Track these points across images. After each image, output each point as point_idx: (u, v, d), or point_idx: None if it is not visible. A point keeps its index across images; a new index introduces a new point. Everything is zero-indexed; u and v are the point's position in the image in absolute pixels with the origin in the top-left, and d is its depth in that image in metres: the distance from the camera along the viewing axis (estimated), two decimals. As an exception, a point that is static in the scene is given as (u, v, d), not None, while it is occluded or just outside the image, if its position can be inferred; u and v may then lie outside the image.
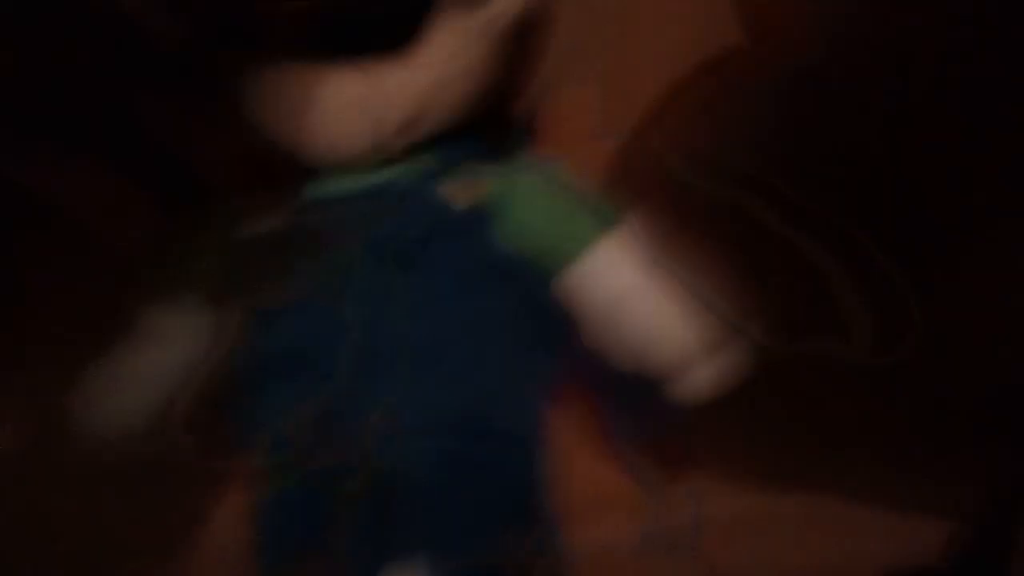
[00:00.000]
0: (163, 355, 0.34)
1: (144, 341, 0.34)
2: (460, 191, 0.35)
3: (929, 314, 0.33)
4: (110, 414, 0.33)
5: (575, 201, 0.36)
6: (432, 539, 0.31)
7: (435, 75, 0.35)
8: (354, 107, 0.34)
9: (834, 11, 0.36)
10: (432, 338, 0.32)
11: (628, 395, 0.35)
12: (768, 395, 0.34)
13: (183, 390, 0.33)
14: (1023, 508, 0.31)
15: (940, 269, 0.34)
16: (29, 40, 0.32)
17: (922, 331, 0.32)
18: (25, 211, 0.34)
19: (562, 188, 0.37)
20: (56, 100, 0.34)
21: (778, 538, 0.35)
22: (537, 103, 0.42)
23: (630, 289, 0.34)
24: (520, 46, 0.38)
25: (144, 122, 0.35)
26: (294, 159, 0.35)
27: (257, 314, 0.34)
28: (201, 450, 0.33)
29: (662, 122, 0.40)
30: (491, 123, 0.39)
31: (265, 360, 0.34)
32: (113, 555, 0.33)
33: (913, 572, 0.33)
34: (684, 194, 0.37)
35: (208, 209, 0.36)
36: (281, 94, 0.34)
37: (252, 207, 0.35)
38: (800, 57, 0.37)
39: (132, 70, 0.34)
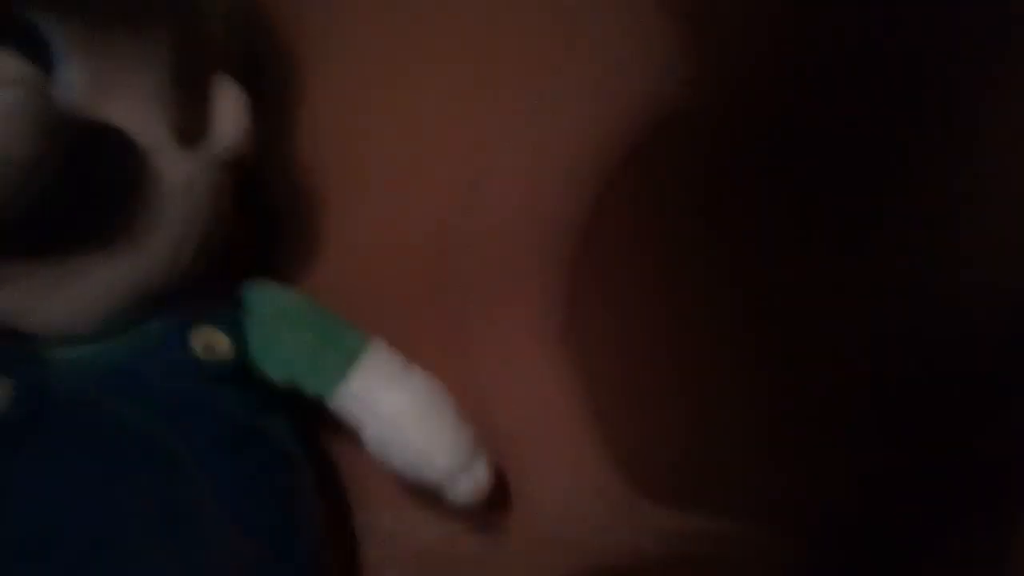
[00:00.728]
0: None
1: None
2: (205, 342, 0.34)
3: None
4: None
5: (321, 325, 0.36)
6: None
7: (178, 220, 0.34)
8: (84, 292, 0.33)
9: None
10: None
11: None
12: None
13: None
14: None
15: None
16: None
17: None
18: None
19: (303, 314, 0.36)
20: None
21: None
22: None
23: (396, 409, 0.35)
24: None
25: None
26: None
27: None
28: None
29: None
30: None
31: None
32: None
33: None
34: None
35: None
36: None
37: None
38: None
39: None
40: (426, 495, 0.35)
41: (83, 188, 0.31)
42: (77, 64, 0.32)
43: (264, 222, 0.41)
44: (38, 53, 0.31)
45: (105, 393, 0.32)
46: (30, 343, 0.33)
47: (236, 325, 0.35)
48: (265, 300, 0.36)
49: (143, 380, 0.33)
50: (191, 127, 0.34)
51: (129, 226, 0.32)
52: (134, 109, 0.33)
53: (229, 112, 0.35)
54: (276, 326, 0.35)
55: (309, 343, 0.35)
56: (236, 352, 0.34)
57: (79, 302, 0.33)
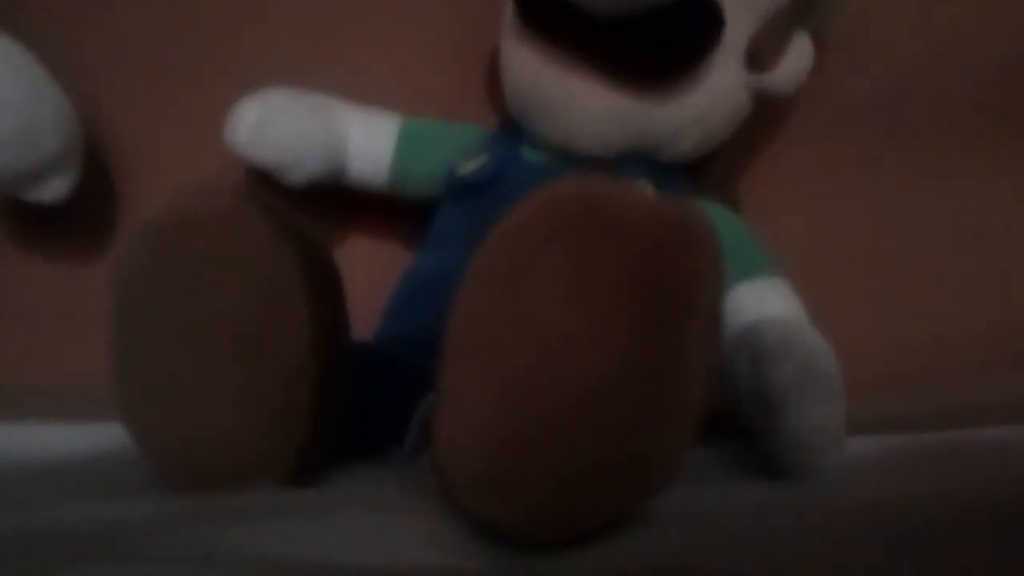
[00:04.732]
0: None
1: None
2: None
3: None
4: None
5: (747, 235, 0.40)
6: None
7: (700, 109, 0.39)
8: (614, 116, 0.38)
9: None
10: None
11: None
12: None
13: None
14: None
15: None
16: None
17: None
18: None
19: (738, 224, 0.40)
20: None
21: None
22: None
23: (790, 321, 0.35)
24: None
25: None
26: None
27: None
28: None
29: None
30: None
31: None
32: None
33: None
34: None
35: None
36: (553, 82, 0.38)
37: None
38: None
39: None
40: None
41: (672, 23, 0.35)
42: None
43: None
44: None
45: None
46: (517, 140, 0.42)
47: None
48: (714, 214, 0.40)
49: None
50: (759, 55, 0.39)
51: (667, 84, 0.38)
52: (737, 13, 0.37)
53: (795, 64, 0.39)
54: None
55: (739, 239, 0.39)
56: None
57: (591, 122, 0.39)
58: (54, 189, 0.41)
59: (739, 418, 0.35)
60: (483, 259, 0.24)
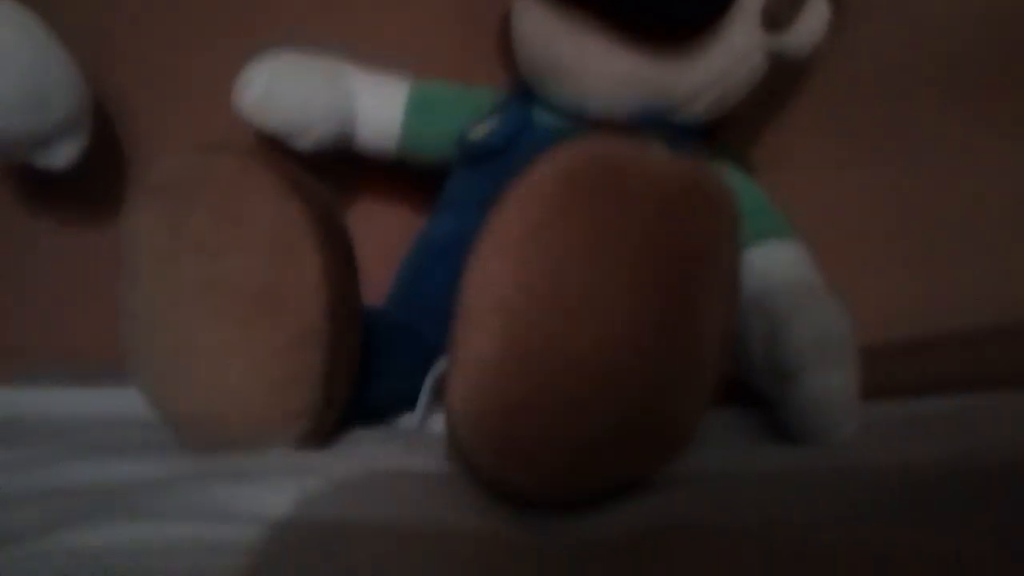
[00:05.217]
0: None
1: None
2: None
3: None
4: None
5: (763, 199, 0.39)
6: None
7: (715, 71, 0.38)
8: (627, 78, 0.38)
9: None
10: None
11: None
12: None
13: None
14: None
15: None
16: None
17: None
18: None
19: (754, 188, 0.40)
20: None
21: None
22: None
23: (806, 286, 0.36)
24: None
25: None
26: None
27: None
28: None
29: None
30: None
31: None
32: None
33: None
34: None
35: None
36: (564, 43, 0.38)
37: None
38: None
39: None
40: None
41: None
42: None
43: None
44: None
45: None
46: (529, 103, 0.41)
47: None
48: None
49: None
50: (775, 16, 0.38)
51: (682, 45, 0.37)
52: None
53: (811, 25, 0.39)
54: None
55: (757, 203, 0.39)
56: None
57: (604, 84, 0.38)
58: (63, 154, 0.40)
59: (751, 384, 0.35)
60: (498, 221, 0.24)
